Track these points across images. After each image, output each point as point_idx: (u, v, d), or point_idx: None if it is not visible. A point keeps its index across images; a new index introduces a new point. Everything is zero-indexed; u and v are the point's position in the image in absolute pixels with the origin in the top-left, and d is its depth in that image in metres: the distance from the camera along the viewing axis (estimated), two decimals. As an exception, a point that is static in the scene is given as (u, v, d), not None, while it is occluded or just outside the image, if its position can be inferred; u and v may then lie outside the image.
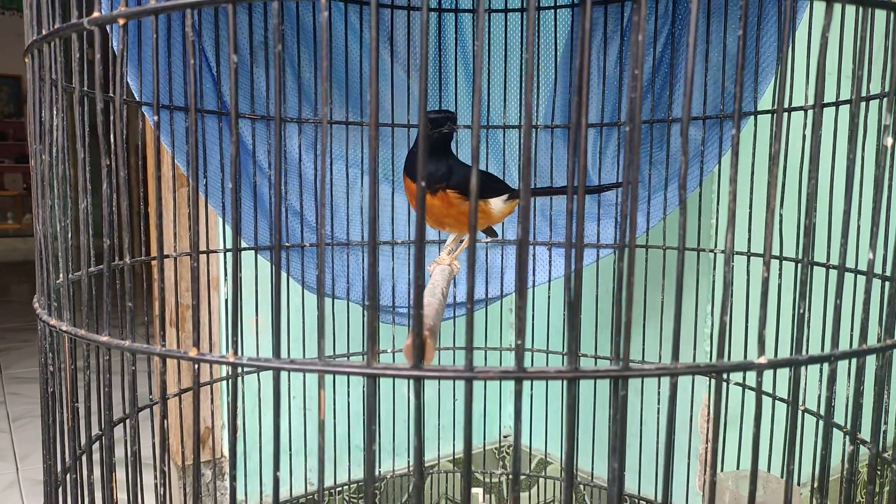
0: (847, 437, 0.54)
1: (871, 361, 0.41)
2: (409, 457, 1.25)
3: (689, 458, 1.02)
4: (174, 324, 1.16)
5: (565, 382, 0.31)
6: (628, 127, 0.30)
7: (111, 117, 0.38)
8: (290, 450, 1.06)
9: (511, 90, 1.03)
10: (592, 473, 1.04)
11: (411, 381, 0.29)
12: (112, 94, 0.60)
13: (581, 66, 0.30)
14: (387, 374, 0.32)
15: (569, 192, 0.29)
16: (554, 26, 1.00)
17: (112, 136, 0.36)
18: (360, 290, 1.00)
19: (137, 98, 0.74)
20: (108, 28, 0.36)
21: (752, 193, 0.82)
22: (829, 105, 0.75)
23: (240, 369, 0.33)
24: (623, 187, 0.30)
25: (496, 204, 0.79)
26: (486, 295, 1.04)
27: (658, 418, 0.98)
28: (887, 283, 0.37)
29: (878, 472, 0.50)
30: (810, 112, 0.78)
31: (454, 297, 1.02)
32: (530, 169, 0.30)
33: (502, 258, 1.04)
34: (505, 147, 1.05)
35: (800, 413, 0.74)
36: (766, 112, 0.81)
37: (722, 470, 0.94)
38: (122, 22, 0.34)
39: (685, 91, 0.27)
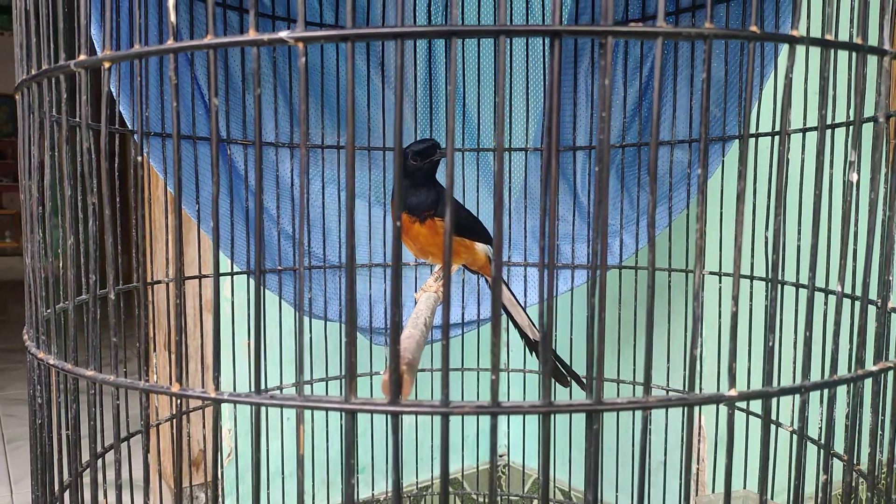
0: (830, 465, 0.55)
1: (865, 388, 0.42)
2: (414, 475, 1.25)
3: (680, 478, 1.02)
4: (167, 346, 1.17)
5: (540, 417, 0.32)
6: (598, 167, 0.31)
7: (100, 154, 0.39)
8: (283, 472, 1.06)
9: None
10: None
11: (389, 417, 0.29)
12: (98, 125, 0.61)
13: (551, 108, 0.31)
14: (364, 410, 0.32)
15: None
16: (542, 49, 1.01)
17: (98, 174, 0.37)
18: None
19: (131, 127, 0.75)
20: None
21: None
22: (811, 129, 0.76)
23: (225, 398, 0.34)
24: (594, 225, 0.31)
25: (481, 247, 0.81)
26: (478, 316, 1.04)
27: (654, 439, 0.99)
28: (856, 314, 0.38)
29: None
30: (806, 136, 0.79)
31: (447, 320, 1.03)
32: (502, 209, 0.30)
33: (494, 279, 1.04)
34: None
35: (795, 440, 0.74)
36: (751, 136, 0.83)
37: (713, 491, 0.94)
38: (107, 65, 0.35)
39: (651, 147, 0.28)
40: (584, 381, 0.92)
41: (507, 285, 0.90)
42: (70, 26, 0.41)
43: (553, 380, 0.90)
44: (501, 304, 0.30)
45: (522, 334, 0.91)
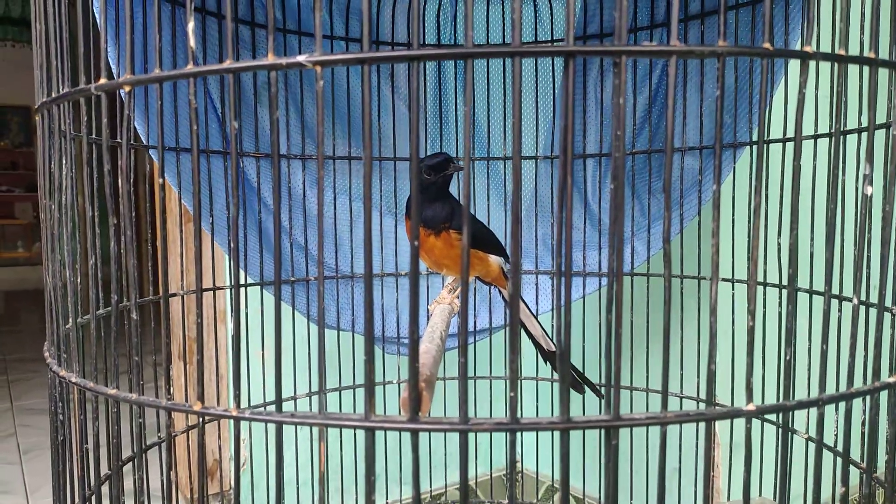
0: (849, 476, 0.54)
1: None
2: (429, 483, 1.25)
3: (695, 484, 1.01)
4: (181, 357, 1.18)
5: (559, 433, 0.32)
6: (612, 185, 0.31)
7: (118, 175, 0.39)
8: (298, 480, 1.07)
9: (511, 120, 1.05)
10: (600, 500, 1.04)
11: (409, 434, 0.29)
12: (119, 140, 0.62)
13: (566, 128, 0.31)
14: (384, 427, 0.33)
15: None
16: (552, 59, 1.02)
17: (118, 194, 0.38)
18: (362, 324, 1.01)
19: (145, 141, 0.76)
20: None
21: (749, 220, 0.83)
22: (822, 136, 0.76)
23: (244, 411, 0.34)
24: (609, 242, 0.32)
25: (494, 259, 0.81)
26: (490, 324, 1.05)
27: (669, 447, 0.98)
28: (871, 323, 0.38)
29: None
30: (818, 142, 0.79)
31: (458, 328, 1.03)
32: (519, 228, 0.31)
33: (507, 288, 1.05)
34: (506, 178, 1.06)
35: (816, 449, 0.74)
36: (755, 142, 0.82)
37: (728, 498, 0.93)
38: (127, 89, 0.36)
39: (666, 166, 0.28)
40: (598, 388, 0.92)
41: (521, 298, 0.90)
42: (89, 49, 0.42)
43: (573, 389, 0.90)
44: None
45: (536, 344, 0.91)
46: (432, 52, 0.31)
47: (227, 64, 0.33)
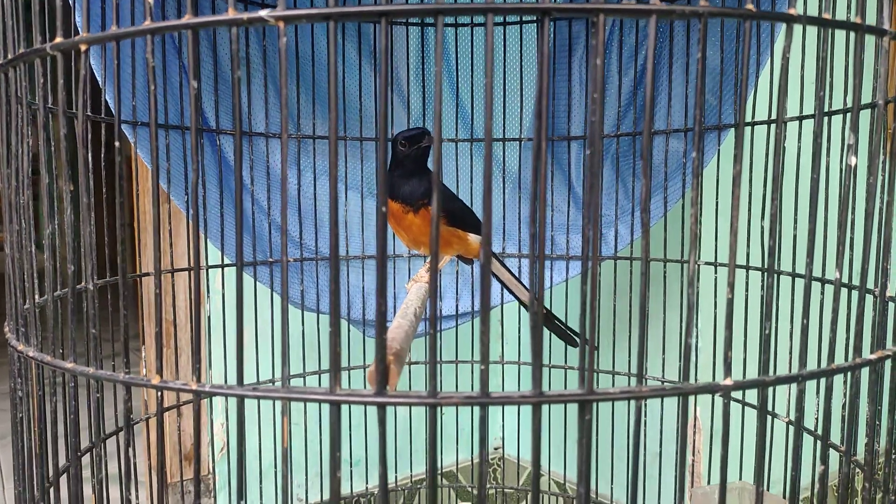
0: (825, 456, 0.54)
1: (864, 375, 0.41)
2: (409, 468, 1.24)
3: (676, 469, 1.01)
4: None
5: (531, 407, 0.31)
6: (588, 150, 0.30)
7: (77, 141, 0.37)
8: (276, 466, 1.05)
9: (497, 101, 1.03)
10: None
11: (376, 408, 0.28)
12: (74, 111, 0.60)
13: (541, 92, 0.30)
14: (350, 401, 0.31)
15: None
16: (538, 37, 1.00)
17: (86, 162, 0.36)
18: (345, 306, 0.99)
19: (115, 113, 0.73)
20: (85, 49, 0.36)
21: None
22: (808, 117, 0.75)
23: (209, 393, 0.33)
24: (584, 211, 0.30)
25: (474, 237, 0.79)
26: (473, 308, 1.03)
27: (650, 431, 0.98)
28: (854, 302, 0.37)
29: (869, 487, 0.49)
30: (803, 123, 0.78)
31: (440, 311, 1.02)
32: (491, 196, 0.29)
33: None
34: (503, 158, 1.05)
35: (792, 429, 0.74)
36: (747, 125, 0.82)
37: (709, 483, 0.93)
38: (84, 48, 0.34)
39: (645, 126, 0.27)
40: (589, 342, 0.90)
41: (503, 263, 0.88)
42: (45, 8, 0.40)
43: (565, 343, 0.89)
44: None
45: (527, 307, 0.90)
46: (401, 8, 0.30)
47: (186, 19, 0.31)
